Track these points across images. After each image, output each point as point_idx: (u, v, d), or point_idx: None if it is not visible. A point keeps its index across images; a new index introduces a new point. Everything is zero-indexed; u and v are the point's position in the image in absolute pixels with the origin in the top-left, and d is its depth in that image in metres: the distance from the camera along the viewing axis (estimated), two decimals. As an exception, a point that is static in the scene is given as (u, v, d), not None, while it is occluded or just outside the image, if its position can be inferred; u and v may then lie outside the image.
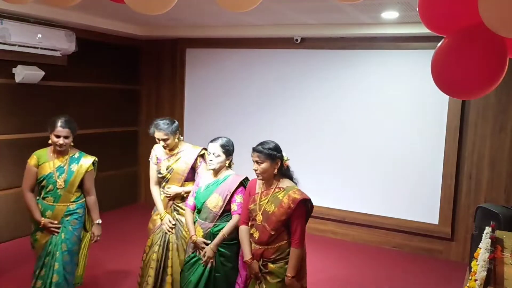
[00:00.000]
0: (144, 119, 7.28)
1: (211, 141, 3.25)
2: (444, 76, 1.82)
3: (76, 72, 6.07)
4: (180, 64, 6.91)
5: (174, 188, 3.59)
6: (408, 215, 5.58)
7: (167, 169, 3.61)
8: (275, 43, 6.14)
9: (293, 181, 3.00)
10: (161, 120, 3.53)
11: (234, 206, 3.18)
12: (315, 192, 5.66)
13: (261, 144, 2.94)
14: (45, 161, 3.37)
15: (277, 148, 2.94)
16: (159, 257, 3.57)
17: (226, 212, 3.20)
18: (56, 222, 3.37)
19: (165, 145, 3.53)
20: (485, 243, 2.87)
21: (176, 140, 3.59)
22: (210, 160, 3.23)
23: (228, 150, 3.24)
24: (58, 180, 3.34)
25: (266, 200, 2.91)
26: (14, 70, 5.24)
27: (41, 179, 3.36)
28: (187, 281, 3.21)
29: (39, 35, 5.13)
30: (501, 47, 1.72)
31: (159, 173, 3.64)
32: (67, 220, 3.40)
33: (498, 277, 2.38)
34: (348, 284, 4.63)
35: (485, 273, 2.34)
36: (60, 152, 3.39)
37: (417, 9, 1.85)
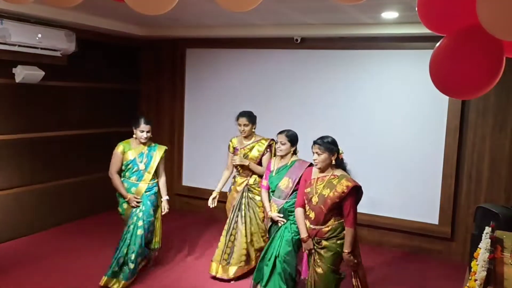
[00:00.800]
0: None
1: (279, 133, 4.08)
2: (441, 75, 1.82)
3: (76, 72, 6.07)
4: (180, 64, 6.90)
5: (238, 159, 4.54)
6: (408, 215, 5.58)
7: (244, 156, 4.52)
8: (275, 43, 6.14)
9: (346, 171, 3.49)
10: (246, 111, 4.58)
11: None
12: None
13: (321, 138, 3.49)
14: (129, 149, 4.41)
15: (334, 142, 3.48)
16: (233, 227, 4.52)
17: (295, 191, 3.91)
18: (139, 197, 4.35)
19: (243, 130, 4.48)
20: (485, 243, 2.87)
21: (253, 130, 4.55)
22: (278, 147, 4.06)
23: (293, 139, 4.06)
24: (140, 164, 4.38)
25: (322, 185, 3.42)
26: (14, 70, 5.24)
27: (128, 163, 4.39)
28: (269, 249, 3.98)
29: (39, 35, 5.13)
30: (499, 47, 1.72)
31: (234, 160, 4.51)
32: (147, 195, 4.37)
33: (498, 277, 2.38)
34: (348, 284, 4.63)
35: (485, 273, 2.34)
36: (142, 143, 4.40)
37: (417, 9, 1.86)
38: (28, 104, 5.55)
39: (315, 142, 3.45)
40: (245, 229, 4.49)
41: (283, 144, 4.03)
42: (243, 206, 4.51)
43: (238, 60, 6.50)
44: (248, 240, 4.50)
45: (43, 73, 5.42)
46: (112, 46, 6.62)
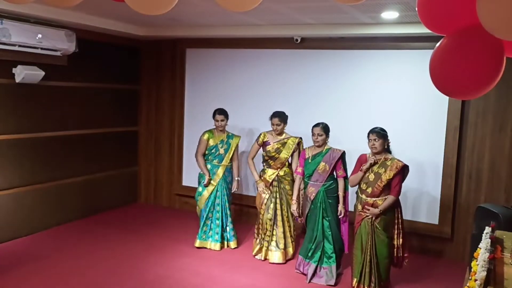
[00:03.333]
0: (144, 119, 7.29)
1: (315, 126, 4.74)
2: (441, 75, 1.82)
3: (76, 72, 6.07)
4: (180, 64, 6.90)
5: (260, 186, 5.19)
6: (408, 215, 5.57)
7: (275, 150, 5.04)
8: (275, 43, 6.14)
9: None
10: (278, 111, 5.11)
11: (341, 172, 4.68)
12: (315, 192, 5.49)
13: (376, 127, 4.33)
14: (212, 137, 5.37)
15: (385, 130, 4.34)
16: (271, 215, 5.09)
17: (330, 174, 4.65)
18: (218, 179, 5.37)
19: (276, 129, 5.03)
20: (485, 243, 2.86)
21: (284, 129, 5.09)
22: (316, 139, 4.69)
23: (327, 130, 4.73)
24: (220, 149, 5.36)
25: (378, 166, 4.33)
26: (14, 70, 5.24)
27: (212, 148, 5.36)
28: (314, 229, 4.70)
29: (39, 35, 5.13)
30: (499, 47, 1.72)
31: (268, 152, 5.06)
32: (225, 176, 5.40)
33: (498, 277, 2.38)
34: (348, 283, 4.63)
35: (485, 273, 2.34)
36: (221, 131, 5.39)
37: (417, 9, 1.86)
38: (28, 104, 5.55)
39: (373, 131, 4.29)
40: (282, 216, 5.10)
41: (320, 136, 4.67)
42: (277, 195, 5.07)
43: (238, 60, 6.50)
44: (287, 226, 5.12)
45: (43, 73, 5.42)
46: (112, 46, 6.62)
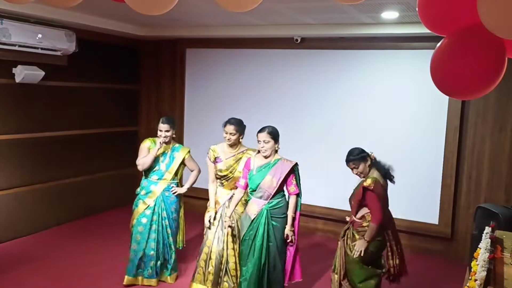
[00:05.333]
0: (144, 119, 7.28)
1: (259, 131, 3.81)
2: (442, 76, 1.82)
3: (76, 72, 6.07)
4: (180, 64, 6.90)
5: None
6: (408, 215, 5.57)
7: (227, 169, 4.05)
8: (275, 43, 6.14)
9: (383, 170, 3.80)
10: (234, 118, 4.09)
11: (292, 188, 3.82)
12: (315, 192, 5.65)
13: (349, 154, 3.74)
14: (154, 147, 4.36)
15: (362, 151, 3.75)
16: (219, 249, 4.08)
17: (278, 191, 3.77)
18: (156, 196, 4.38)
19: (229, 139, 4.00)
20: (485, 243, 2.86)
21: (240, 140, 4.07)
22: (262, 147, 3.77)
23: (275, 136, 3.83)
24: (161, 164, 4.41)
25: (357, 184, 3.79)
26: (14, 70, 5.24)
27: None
28: (248, 255, 3.79)
29: (39, 35, 5.13)
30: (500, 47, 1.72)
31: (219, 171, 4.06)
32: (167, 196, 4.40)
33: (498, 277, 2.38)
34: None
35: (485, 273, 2.34)
36: (165, 142, 4.35)
37: (417, 9, 1.85)
38: (28, 104, 5.55)
39: (348, 160, 3.72)
40: (227, 248, 4.04)
41: (266, 143, 3.77)
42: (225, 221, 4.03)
43: (238, 60, 6.50)
44: (233, 259, 4.06)
45: (43, 73, 5.42)
46: (112, 46, 6.62)
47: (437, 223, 5.48)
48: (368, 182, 3.63)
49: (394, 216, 5.67)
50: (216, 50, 6.62)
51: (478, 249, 2.86)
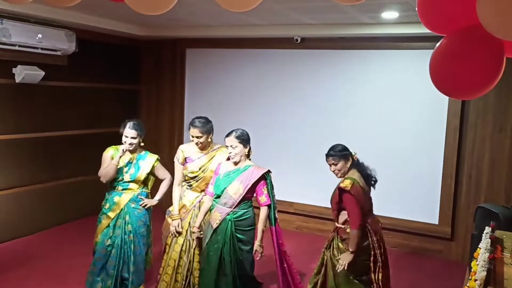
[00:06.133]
0: (144, 119, 7.27)
1: (226, 136, 3.52)
2: (441, 76, 1.82)
3: (76, 72, 6.07)
4: (180, 64, 6.90)
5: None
6: (408, 215, 5.58)
7: (200, 168, 3.75)
8: (275, 43, 6.14)
9: (364, 171, 3.48)
10: (198, 119, 3.71)
11: (263, 198, 3.51)
12: (315, 192, 5.63)
13: (331, 149, 3.47)
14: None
15: (345, 148, 3.48)
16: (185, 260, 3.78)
17: (244, 200, 3.48)
18: (121, 208, 3.88)
19: (198, 143, 3.68)
20: (485, 243, 2.87)
21: (209, 140, 3.75)
22: (230, 153, 3.50)
23: (244, 139, 3.52)
24: (125, 175, 3.89)
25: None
26: (14, 70, 5.24)
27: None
28: (207, 271, 3.51)
29: (39, 35, 5.13)
30: (499, 47, 1.72)
31: (191, 172, 3.76)
32: (133, 208, 3.91)
33: (498, 277, 2.38)
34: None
35: (485, 273, 2.34)
36: (129, 150, 3.87)
37: (417, 9, 1.86)
38: (28, 104, 5.55)
39: (327, 155, 3.46)
40: (193, 260, 3.79)
41: (234, 148, 3.48)
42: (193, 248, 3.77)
43: (238, 60, 6.50)
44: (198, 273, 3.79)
45: (43, 73, 5.42)
46: (112, 46, 6.62)
47: (437, 223, 5.48)
48: (345, 183, 3.34)
49: (394, 216, 5.73)
50: (216, 50, 6.62)
51: (478, 249, 2.87)
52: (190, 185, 3.83)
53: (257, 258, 3.48)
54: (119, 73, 6.89)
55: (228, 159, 3.60)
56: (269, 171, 3.56)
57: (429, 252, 5.58)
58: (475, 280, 2.30)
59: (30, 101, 5.57)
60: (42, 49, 5.28)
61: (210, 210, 3.61)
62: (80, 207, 6.34)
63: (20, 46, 5.04)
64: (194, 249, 3.77)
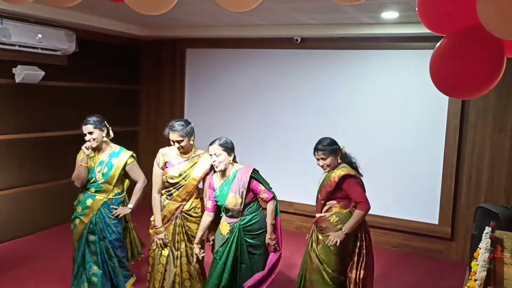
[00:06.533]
0: (144, 119, 7.29)
1: (210, 144, 3.38)
2: (441, 75, 1.82)
3: (76, 72, 6.07)
4: (180, 64, 6.90)
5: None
6: (408, 215, 5.58)
7: (180, 175, 3.53)
8: (275, 43, 6.14)
9: (352, 165, 3.42)
10: (176, 122, 3.49)
11: (264, 195, 3.41)
12: (315, 192, 5.62)
13: (320, 143, 3.38)
14: (91, 157, 3.72)
15: (334, 142, 3.40)
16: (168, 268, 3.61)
17: (247, 206, 3.39)
18: (94, 212, 3.70)
19: (180, 147, 3.47)
20: (485, 243, 2.87)
21: (191, 142, 3.53)
22: (214, 161, 3.36)
23: (228, 147, 3.37)
24: (97, 174, 3.70)
25: (323, 177, 3.42)
26: (14, 70, 5.24)
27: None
28: (213, 274, 3.43)
29: (39, 35, 5.13)
30: (499, 47, 1.72)
31: (171, 178, 3.53)
32: (105, 214, 3.71)
33: (498, 277, 2.38)
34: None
35: (485, 273, 2.34)
36: (93, 149, 3.68)
37: (417, 9, 1.86)
38: (28, 104, 5.55)
39: (316, 149, 3.37)
40: (181, 271, 3.61)
41: (218, 156, 3.33)
42: (178, 240, 3.59)
43: (238, 60, 6.50)
44: (189, 282, 3.63)
45: (43, 73, 5.42)
46: (112, 46, 6.62)
47: (437, 223, 5.48)
48: (344, 170, 3.31)
49: (394, 216, 5.73)
50: (216, 50, 6.62)
51: (478, 249, 2.87)
52: (170, 194, 3.57)
53: (271, 250, 3.42)
54: (119, 73, 6.89)
55: (211, 168, 3.50)
56: (254, 170, 3.42)
57: (429, 252, 5.58)
58: (475, 280, 2.30)
59: (30, 101, 5.56)
60: (42, 49, 5.28)
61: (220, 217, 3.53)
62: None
63: (20, 46, 5.04)
64: (181, 258, 3.59)
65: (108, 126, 3.72)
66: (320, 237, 3.34)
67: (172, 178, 3.53)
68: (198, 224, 3.57)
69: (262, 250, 3.44)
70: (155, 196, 3.61)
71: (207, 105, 6.77)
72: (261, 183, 3.42)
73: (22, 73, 5.21)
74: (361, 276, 3.29)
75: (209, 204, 3.51)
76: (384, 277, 4.88)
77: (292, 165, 6.07)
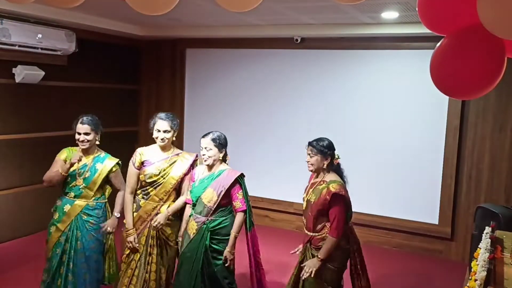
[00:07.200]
0: (144, 119, 7.28)
1: (202, 136, 3.32)
2: (442, 75, 1.82)
3: (76, 72, 6.07)
4: (180, 64, 6.90)
5: (160, 217, 3.39)
6: (408, 215, 5.58)
7: (160, 173, 3.42)
8: (275, 43, 6.14)
9: (342, 178, 3.19)
10: (165, 113, 3.46)
11: (238, 204, 3.27)
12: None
13: (317, 140, 3.19)
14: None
15: (329, 146, 3.17)
16: (142, 274, 3.46)
17: (220, 207, 3.27)
18: (72, 218, 3.48)
19: (164, 139, 3.38)
20: (485, 243, 2.86)
21: (173, 138, 3.47)
22: (203, 155, 3.28)
23: (220, 143, 3.29)
24: (78, 178, 3.49)
25: (312, 190, 3.16)
26: (14, 70, 5.24)
27: (68, 175, 3.50)
28: (178, 282, 3.31)
29: (39, 35, 5.13)
30: (500, 47, 1.72)
31: (149, 177, 3.41)
32: (84, 220, 3.48)
33: (498, 277, 2.38)
34: (348, 283, 4.63)
35: (485, 273, 2.34)
36: (86, 150, 3.50)
37: (417, 9, 1.86)
38: (28, 104, 5.55)
39: (309, 144, 3.22)
40: (156, 275, 3.46)
41: (208, 150, 3.26)
42: (151, 244, 3.44)
43: (238, 60, 6.50)
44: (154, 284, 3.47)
45: (43, 73, 5.42)
46: (112, 46, 6.62)
47: (437, 223, 5.48)
48: (336, 187, 3.05)
49: (394, 216, 5.73)
50: (216, 50, 6.62)
51: (478, 249, 2.86)
52: (147, 193, 3.45)
53: (226, 265, 3.23)
54: (119, 73, 6.89)
55: (193, 165, 3.45)
56: (242, 175, 3.32)
57: (429, 252, 5.58)
58: (475, 280, 2.30)
59: (30, 101, 5.56)
60: (42, 49, 5.28)
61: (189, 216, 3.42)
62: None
63: (20, 46, 5.04)
64: (151, 265, 3.44)
65: (102, 129, 3.58)
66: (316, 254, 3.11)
67: (150, 177, 3.42)
68: (172, 227, 3.48)
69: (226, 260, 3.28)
70: (128, 196, 3.49)
71: (207, 105, 6.77)
72: (242, 191, 3.29)
73: (22, 73, 5.21)
74: (363, 284, 3.25)
75: (189, 195, 3.40)
76: (384, 277, 4.88)
77: (292, 165, 6.07)
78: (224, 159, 3.37)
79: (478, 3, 1.51)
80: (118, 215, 3.58)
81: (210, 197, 3.25)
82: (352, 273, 3.27)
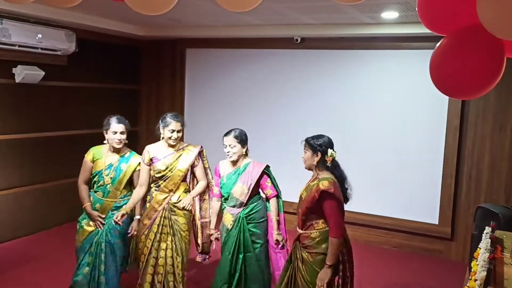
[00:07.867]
0: (144, 119, 7.28)
1: (225, 135, 3.56)
2: (441, 75, 1.82)
3: (76, 72, 6.07)
4: (180, 64, 6.90)
5: (186, 200, 3.62)
6: (408, 215, 5.58)
7: (167, 168, 3.64)
8: (275, 43, 6.14)
9: (339, 177, 3.07)
10: (173, 114, 3.70)
11: (269, 191, 3.58)
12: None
13: (314, 136, 3.17)
14: (99, 158, 3.66)
15: (322, 143, 3.10)
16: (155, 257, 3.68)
17: (251, 196, 3.54)
18: (104, 216, 3.65)
19: (176, 138, 3.63)
20: (485, 243, 2.86)
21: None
22: (228, 152, 3.53)
23: (242, 139, 3.55)
24: (105, 177, 3.66)
25: (305, 188, 3.11)
26: (14, 70, 5.24)
27: (94, 174, 3.68)
28: (220, 266, 3.57)
29: (39, 35, 5.13)
30: (499, 47, 1.72)
31: (158, 172, 3.64)
32: (113, 214, 3.63)
33: (498, 277, 2.38)
34: None
35: (485, 273, 2.34)
36: (116, 149, 3.64)
37: (417, 9, 1.86)
38: (28, 104, 5.55)
39: (307, 141, 3.19)
40: (165, 264, 3.66)
41: (232, 147, 3.50)
42: (164, 232, 3.65)
43: (238, 60, 6.50)
44: (173, 276, 3.65)
45: (43, 73, 5.42)
46: (112, 46, 6.62)
47: (437, 223, 5.48)
48: (325, 184, 2.89)
49: (394, 216, 5.73)
50: (216, 50, 6.62)
51: (478, 249, 2.86)
52: (158, 185, 3.69)
53: (279, 246, 3.53)
54: (119, 73, 6.89)
55: (195, 160, 3.68)
56: (268, 166, 3.62)
57: (429, 252, 5.58)
58: (475, 280, 2.30)
59: (30, 101, 5.56)
60: (42, 49, 5.28)
61: (222, 210, 3.68)
62: (80, 207, 6.31)
63: (20, 46, 5.04)
64: (166, 251, 3.64)
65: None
66: (304, 255, 2.99)
67: (159, 172, 3.64)
68: (185, 217, 3.69)
69: (263, 240, 3.56)
70: (138, 188, 3.69)
71: (207, 105, 6.77)
72: (270, 179, 3.60)
73: (22, 73, 5.21)
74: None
75: (215, 190, 3.72)
76: (384, 277, 4.88)
77: (292, 165, 6.05)
78: (246, 153, 3.62)
79: (478, 3, 1.51)
80: (138, 217, 3.72)
81: (240, 191, 3.52)
82: (338, 279, 3.01)
